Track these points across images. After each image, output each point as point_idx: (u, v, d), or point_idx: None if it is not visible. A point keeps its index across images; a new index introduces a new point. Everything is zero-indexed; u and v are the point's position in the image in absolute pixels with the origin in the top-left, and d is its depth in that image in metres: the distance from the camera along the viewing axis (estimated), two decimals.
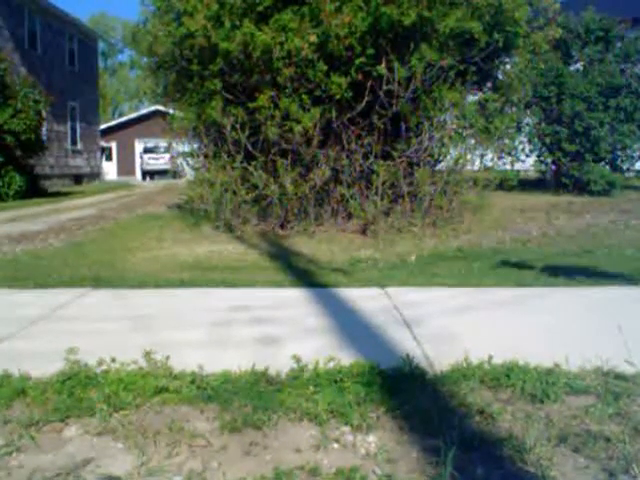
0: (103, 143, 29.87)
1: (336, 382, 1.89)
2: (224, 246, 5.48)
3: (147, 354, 2.09)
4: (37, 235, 6.53)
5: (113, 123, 37.90)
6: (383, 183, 6.12)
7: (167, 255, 4.99)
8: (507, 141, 7.95)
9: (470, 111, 6.62)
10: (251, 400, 1.77)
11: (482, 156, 7.37)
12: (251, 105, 6.09)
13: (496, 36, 6.50)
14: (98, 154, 25.74)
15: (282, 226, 6.24)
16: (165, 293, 3.44)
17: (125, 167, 36.32)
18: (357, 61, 5.83)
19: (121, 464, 1.46)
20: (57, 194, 15.74)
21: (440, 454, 1.44)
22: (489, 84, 7.88)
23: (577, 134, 11.28)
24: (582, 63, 12.13)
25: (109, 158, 36.03)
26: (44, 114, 15.17)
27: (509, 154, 8.06)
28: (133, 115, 38.19)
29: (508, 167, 8.16)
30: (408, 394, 1.82)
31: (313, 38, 5.68)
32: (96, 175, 24.92)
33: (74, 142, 22.14)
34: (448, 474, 1.38)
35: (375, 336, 2.51)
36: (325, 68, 5.84)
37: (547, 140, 11.91)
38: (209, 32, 6.04)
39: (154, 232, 6.55)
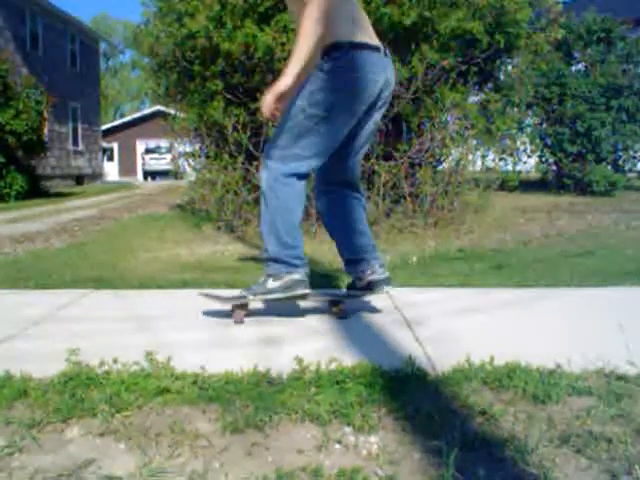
0: (104, 144, 29.91)
1: (338, 383, 1.88)
2: (225, 247, 5.48)
3: (149, 355, 2.09)
4: (39, 236, 6.54)
5: (115, 124, 37.99)
6: (385, 184, 6.12)
7: (169, 256, 5.00)
8: (509, 142, 7.95)
9: (472, 112, 6.62)
10: (253, 401, 1.77)
11: (484, 157, 7.38)
12: (253, 106, 6.09)
13: (498, 37, 6.50)
14: (100, 155, 25.79)
15: None
16: (167, 294, 3.44)
17: (127, 168, 36.39)
18: None
19: (123, 465, 1.46)
20: (59, 195, 15.77)
21: (442, 455, 1.44)
22: (490, 85, 7.89)
23: (579, 135, 11.28)
24: (584, 64, 12.14)
25: (111, 159, 36.10)
26: (46, 115, 15.21)
27: (511, 155, 8.07)
28: (134, 116, 38.26)
29: (510, 168, 8.17)
30: (410, 395, 1.82)
31: None
32: (98, 176, 24.96)
33: (76, 143, 22.19)
34: (450, 475, 1.37)
35: (377, 337, 2.51)
36: None
37: (549, 141, 11.91)
38: (210, 33, 6.05)
39: (155, 233, 6.56)
